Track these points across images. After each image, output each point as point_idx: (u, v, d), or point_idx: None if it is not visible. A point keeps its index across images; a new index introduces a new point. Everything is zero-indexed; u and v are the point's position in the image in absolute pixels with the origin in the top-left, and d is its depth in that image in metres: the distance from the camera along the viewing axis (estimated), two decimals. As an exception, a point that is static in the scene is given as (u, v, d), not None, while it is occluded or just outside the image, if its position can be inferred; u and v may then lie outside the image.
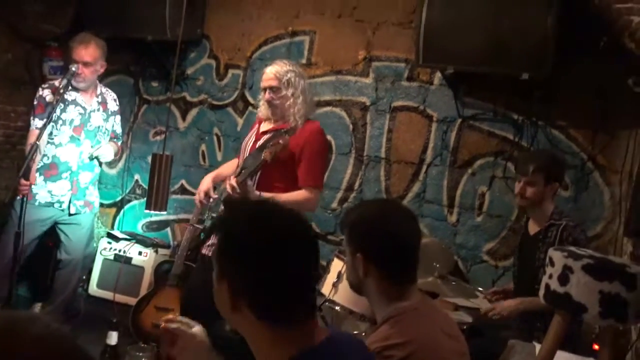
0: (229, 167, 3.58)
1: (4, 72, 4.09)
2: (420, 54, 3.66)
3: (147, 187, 3.48)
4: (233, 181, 3.03)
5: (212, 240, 3.33)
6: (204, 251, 3.39)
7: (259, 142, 3.24)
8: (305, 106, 3.24)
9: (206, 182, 3.46)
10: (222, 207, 3.26)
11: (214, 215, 3.39)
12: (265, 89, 3.25)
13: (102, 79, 5.08)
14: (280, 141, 2.92)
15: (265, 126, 3.35)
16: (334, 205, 4.32)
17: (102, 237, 4.84)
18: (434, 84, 4.06)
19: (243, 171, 3.07)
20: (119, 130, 4.29)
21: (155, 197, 2.62)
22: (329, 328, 1.38)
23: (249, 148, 3.31)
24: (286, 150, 3.06)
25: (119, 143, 4.31)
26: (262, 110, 3.35)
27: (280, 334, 1.28)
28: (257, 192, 3.06)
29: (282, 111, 3.22)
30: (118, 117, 4.27)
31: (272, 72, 3.23)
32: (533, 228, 3.26)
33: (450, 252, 3.95)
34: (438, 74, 4.02)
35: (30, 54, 4.96)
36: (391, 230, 1.68)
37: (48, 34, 4.97)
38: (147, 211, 2.93)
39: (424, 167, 4.08)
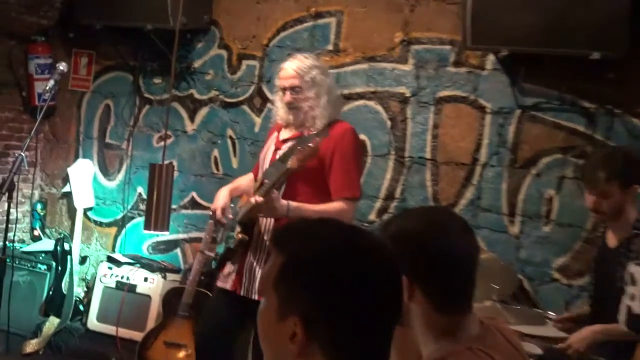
0: (246, 180, 3.61)
1: (-17, 73, 4.24)
2: (469, 33, 3.64)
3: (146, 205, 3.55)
4: (257, 195, 3.05)
5: (228, 269, 3.37)
6: (219, 284, 3.40)
7: (280, 152, 3.26)
8: (330, 107, 3.26)
9: (222, 196, 3.47)
10: (238, 228, 3.30)
11: (230, 238, 3.40)
12: (284, 89, 3.26)
13: (97, 76, 5.20)
14: (311, 144, 2.91)
15: (286, 133, 3.36)
16: (372, 217, 4.32)
17: (102, 261, 4.93)
18: (486, 69, 4.03)
19: (265, 183, 3.07)
20: None
21: (155, 215, 2.66)
22: None
23: (269, 159, 3.33)
24: (316, 156, 3.07)
25: None
26: (280, 114, 3.35)
27: None
28: (285, 202, 3.08)
29: (305, 114, 3.24)
30: None
31: (292, 68, 3.23)
32: (613, 240, 3.19)
33: (513, 269, 3.91)
34: (491, 57, 3.99)
35: (14, 51, 5.08)
36: (441, 247, 1.63)
37: (33, 28, 5.08)
38: (147, 232, 2.98)
39: (478, 169, 4.06)
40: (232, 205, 3.48)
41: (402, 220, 1.72)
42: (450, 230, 1.67)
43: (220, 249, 3.50)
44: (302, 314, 1.21)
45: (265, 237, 3.25)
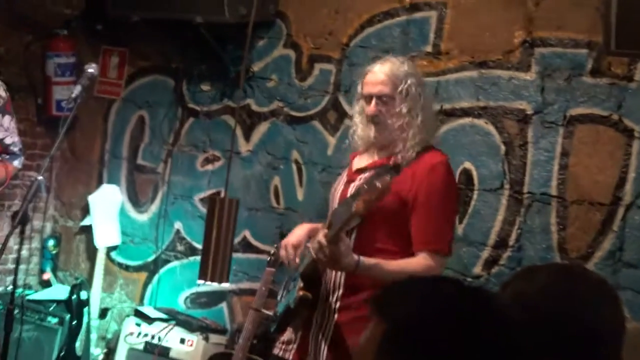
0: None
1: (-7, 73, 4.38)
2: (613, 34, 3.60)
3: (200, 247, 3.49)
4: (322, 237, 3.04)
5: (288, 335, 3.40)
6: (277, 352, 3.43)
7: (353, 185, 3.27)
8: (425, 130, 3.28)
9: (299, 232, 3.48)
10: (300, 283, 3.32)
11: (291, 292, 3.43)
12: (370, 97, 3.28)
13: (130, 79, 5.33)
14: (378, 184, 2.88)
15: (361, 161, 3.39)
16: (477, 269, 4.30)
17: (127, 316, 4.99)
18: (634, 81, 3.97)
19: (331, 227, 3.10)
20: (9, 140, 4.25)
21: (213, 262, 2.70)
22: None
23: (339, 195, 3.36)
24: (388, 195, 3.04)
25: (12, 163, 4.26)
26: (359, 132, 3.37)
27: None
28: (355, 257, 3.06)
29: (392, 134, 3.26)
30: (7, 118, 4.23)
31: (383, 72, 3.26)
32: None
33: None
34: (641, 65, 3.97)
35: (30, 47, 5.25)
36: (575, 320, 1.61)
37: (55, 19, 5.24)
38: (202, 282, 3.04)
39: (621, 211, 4.00)
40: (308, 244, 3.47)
41: (523, 282, 1.70)
42: (588, 298, 1.65)
43: (281, 307, 3.51)
44: None
45: (333, 297, 3.27)
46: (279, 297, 3.61)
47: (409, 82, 3.25)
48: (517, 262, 4.18)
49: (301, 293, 3.27)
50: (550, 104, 4.18)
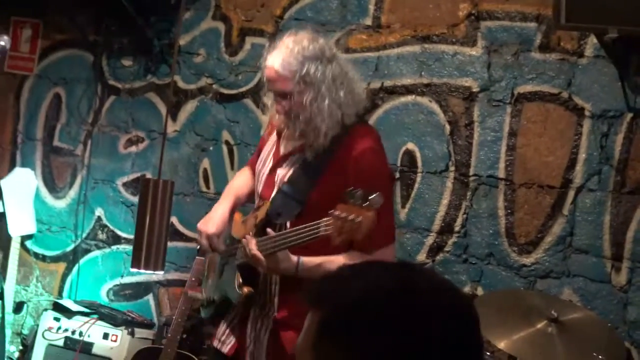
0: (244, 184, 3.61)
1: None
2: (563, 7, 3.63)
3: (124, 235, 3.45)
4: (253, 246, 3.05)
5: (225, 327, 3.38)
6: (216, 344, 3.41)
7: (279, 174, 3.27)
8: (343, 108, 3.20)
9: (217, 217, 3.42)
10: (239, 279, 3.28)
11: (224, 279, 3.40)
12: (272, 92, 3.25)
13: (44, 54, 5.20)
14: (359, 219, 2.78)
15: (287, 143, 3.35)
16: (421, 256, 4.30)
17: (46, 309, 4.91)
18: (585, 57, 4.01)
19: (273, 239, 3.07)
20: None
21: (147, 249, 2.62)
22: None
23: (264, 180, 3.34)
24: (320, 190, 3.10)
25: None
26: (276, 117, 3.33)
27: None
28: (294, 259, 3.07)
29: (303, 124, 3.18)
30: None
31: (275, 67, 3.15)
32: None
33: (618, 334, 3.88)
34: (592, 40, 3.98)
35: None
36: None
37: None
38: (135, 270, 2.97)
39: (571, 194, 4.04)
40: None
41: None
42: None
43: (212, 290, 3.49)
44: None
45: (273, 291, 3.25)
46: (205, 275, 3.59)
47: (305, 68, 3.11)
48: (463, 249, 4.22)
49: (246, 290, 3.24)
50: (497, 81, 4.19)
